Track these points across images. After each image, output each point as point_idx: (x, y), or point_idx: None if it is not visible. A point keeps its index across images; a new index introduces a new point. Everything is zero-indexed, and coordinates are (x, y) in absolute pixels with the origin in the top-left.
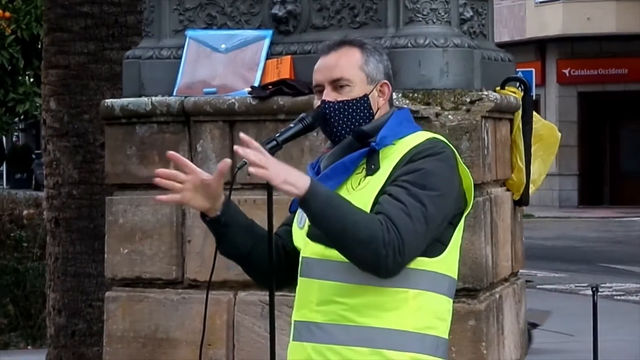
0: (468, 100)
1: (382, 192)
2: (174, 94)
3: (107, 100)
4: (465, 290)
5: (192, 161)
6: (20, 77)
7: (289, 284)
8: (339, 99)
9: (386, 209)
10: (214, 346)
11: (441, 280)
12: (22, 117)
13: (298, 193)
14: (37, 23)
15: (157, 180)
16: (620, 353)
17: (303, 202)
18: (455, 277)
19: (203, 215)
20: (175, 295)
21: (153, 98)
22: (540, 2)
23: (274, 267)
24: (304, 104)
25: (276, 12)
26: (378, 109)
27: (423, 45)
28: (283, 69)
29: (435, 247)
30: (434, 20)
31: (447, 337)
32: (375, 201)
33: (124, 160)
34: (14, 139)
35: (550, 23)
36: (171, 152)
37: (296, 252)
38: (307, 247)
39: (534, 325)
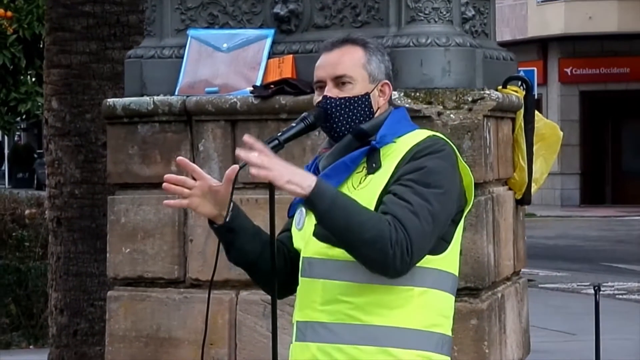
0: (470, 99)
1: (385, 190)
2: (176, 93)
3: (109, 100)
4: (468, 289)
5: (194, 161)
6: (22, 77)
7: (294, 289)
8: (341, 96)
9: (392, 209)
10: (216, 345)
11: (445, 277)
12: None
13: (303, 193)
14: (38, 22)
15: (165, 185)
16: (622, 352)
17: (309, 201)
18: (457, 274)
19: (211, 222)
20: (177, 294)
21: (155, 97)
22: (542, 1)
23: (281, 274)
24: (306, 103)
25: (278, 11)
26: (378, 108)
27: (425, 45)
28: (285, 68)
29: (439, 244)
30: (436, 19)
31: (450, 334)
32: (379, 200)
33: (126, 159)
34: (15, 138)
35: (552, 22)
36: (180, 158)
37: (298, 256)
38: (308, 247)
39: None
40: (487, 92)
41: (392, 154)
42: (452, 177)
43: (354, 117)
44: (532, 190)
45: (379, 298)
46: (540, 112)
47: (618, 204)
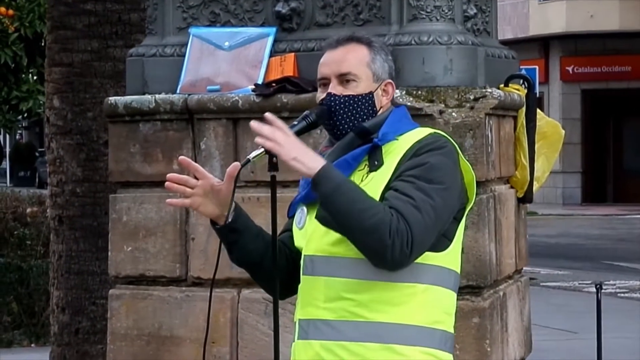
0: (472, 97)
1: (387, 187)
2: (178, 91)
3: (110, 98)
4: (469, 287)
5: (195, 159)
6: (23, 75)
7: (296, 290)
8: (345, 94)
9: (395, 203)
10: (218, 344)
11: (447, 274)
12: (25, 115)
13: (307, 172)
14: (40, 21)
15: (168, 184)
16: (624, 350)
17: (313, 183)
18: (459, 271)
19: (213, 223)
20: (179, 293)
21: (157, 96)
22: (544, 0)
23: (283, 274)
24: (308, 101)
25: (280, 9)
26: (381, 107)
27: (427, 43)
28: (286, 66)
29: (441, 241)
30: (438, 18)
31: (452, 332)
32: (382, 197)
33: (128, 158)
34: (17, 136)
35: (553, 20)
36: (182, 157)
37: (300, 256)
38: (310, 245)
39: None
40: (489, 90)
41: (394, 151)
42: (454, 173)
43: (357, 115)
44: (534, 188)
45: (382, 295)
46: (542, 110)
47: (619, 203)
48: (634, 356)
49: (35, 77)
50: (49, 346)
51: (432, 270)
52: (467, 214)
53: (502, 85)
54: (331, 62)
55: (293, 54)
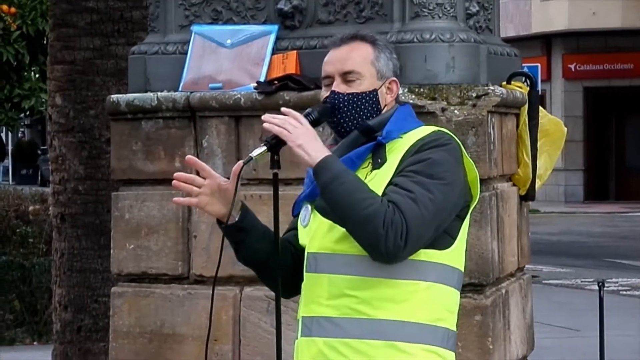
0: (474, 95)
1: (390, 184)
2: (180, 89)
3: (112, 96)
4: (472, 285)
5: (197, 157)
6: (25, 73)
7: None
8: (349, 91)
9: (393, 196)
10: (220, 342)
11: (450, 272)
12: (27, 112)
13: (309, 160)
14: (42, 18)
15: (175, 183)
16: (627, 348)
17: (314, 172)
18: (463, 269)
19: (219, 222)
20: (181, 290)
21: (159, 93)
22: None
23: (289, 273)
24: (310, 99)
25: (282, 7)
26: (385, 105)
27: (429, 40)
28: (289, 64)
29: (444, 239)
30: (440, 15)
31: (455, 329)
32: (384, 193)
33: (130, 155)
34: (19, 134)
35: (555, 18)
36: (189, 157)
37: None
38: (313, 242)
39: None
40: (491, 87)
41: (398, 149)
42: (456, 170)
43: (361, 113)
44: (536, 186)
45: (384, 292)
46: (544, 108)
47: (622, 200)
48: (636, 354)
49: (37, 75)
50: (52, 344)
51: (435, 268)
52: (471, 212)
53: (504, 83)
54: (335, 60)
55: (295, 51)
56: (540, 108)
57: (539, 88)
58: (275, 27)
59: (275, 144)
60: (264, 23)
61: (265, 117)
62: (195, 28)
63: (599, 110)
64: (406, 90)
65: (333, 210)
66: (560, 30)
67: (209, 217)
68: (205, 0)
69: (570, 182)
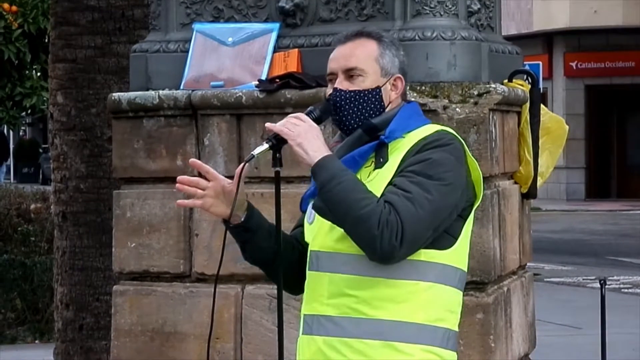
0: (476, 93)
1: (390, 184)
2: (181, 87)
3: (114, 94)
4: (474, 283)
5: (199, 155)
6: (27, 71)
7: None
8: (351, 89)
9: (390, 197)
10: (222, 340)
11: (452, 272)
12: (29, 111)
13: (307, 160)
14: (44, 17)
15: (179, 186)
16: (628, 346)
17: (312, 171)
18: (466, 269)
19: (226, 222)
20: (183, 289)
21: (160, 92)
22: None
23: (296, 270)
24: (312, 97)
25: (283, 5)
26: (390, 102)
27: (431, 38)
28: (290, 62)
29: (445, 239)
30: (442, 13)
31: (456, 329)
32: (384, 193)
33: (131, 154)
34: (21, 133)
35: (557, 16)
36: (193, 160)
37: None
38: (316, 241)
39: None
40: (493, 85)
41: (400, 148)
42: (457, 170)
43: (363, 111)
44: (538, 184)
45: (384, 292)
46: (546, 106)
47: (623, 198)
48: (637, 351)
49: (39, 74)
50: (53, 342)
51: (435, 268)
52: (475, 212)
53: (506, 81)
54: (339, 57)
55: (297, 49)
56: (542, 106)
57: (541, 86)
58: (276, 25)
59: (277, 142)
60: (266, 21)
61: (268, 125)
62: (196, 26)
63: (601, 108)
64: (407, 88)
65: (330, 210)
66: (562, 28)
67: (210, 215)
68: None
69: (572, 180)
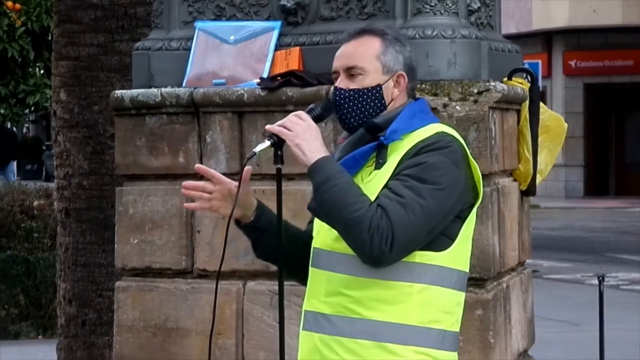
0: (475, 91)
1: (386, 186)
2: (184, 85)
3: (117, 92)
4: (473, 279)
5: (201, 152)
6: (30, 69)
7: None
8: (351, 87)
9: (383, 201)
10: (224, 335)
11: (448, 274)
12: (32, 108)
13: (304, 160)
14: (47, 15)
15: (185, 192)
16: (626, 342)
17: (308, 173)
18: (466, 269)
19: (236, 221)
20: (185, 285)
21: (162, 89)
22: None
23: (307, 265)
24: (313, 95)
25: (285, 3)
26: (392, 100)
27: (431, 37)
28: (292, 60)
29: (441, 241)
30: (442, 12)
31: (455, 329)
32: (377, 197)
33: (134, 151)
34: (24, 130)
35: (556, 15)
36: (198, 165)
37: None
38: (318, 238)
39: None
40: (493, 84)
41: (398, 150)
42: (454, 174)
43: (363, 110)
44: (537, 181)
45: (378, 293)
46: (545, 104)
47: (622, 196)
48: (636, 348)
49: (42, 71)
50: (56, 338)
51: (431, 270)
52: (477, 212)
53: (505, 79)
54: (342, 55)
55: (298, 47)
56: (541, 104)
57: (540, 84)
58: (278, 24)
59: (279, 139)
60: (267, 19)
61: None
62: (198, 24)
63: (599, 106)
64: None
65: (323, 212)
66: (561, 27)
67: (212, 213)
68: None
69: (571, 177)
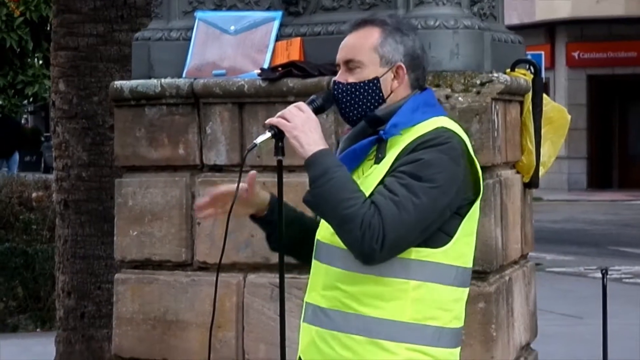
0: (478, 82)
1: (382, 182)
2: (184, 75)
3: (116, 82)
4: (475, 272)
5: (201, 143)
6: (29, 60)
7: None
8: (349, 81)
9: (377, 198)
10: (224, 328)
11: (446, 270)
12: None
13: (302, 153)
14: (46, 5)
15: (199, 214)
16: (629, 335)
17: (305, 165)
18: (467, 265)
19: (251, 215)
20: (185, 277)
21: (162, 80)
22: None
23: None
24: (314, 85)
25: None
26: (392, 92)
27: (433, 27)
28: (292, 50)
29: (439, 237)
30: (444, 2)
31: (454, 326)
32: (372, 193)
33: (133, 142)
34: (23, 121)
35: (559, 6)
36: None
37: None
38: (320, 229)
39: None
40: (496, 75)
41: (396, 145)
42: (451, 171)
43: (361, 103)
44: (540, 173)
45: (373, 289)
46: (548, 96)
47: (625, 188)
48: (638, 341)
49: (40, 62)
50: (55, 331)
51: (427, 267)
52: (479, 206)
53: (508, 70)
54: (342, 47)
55: (299, 38)
56: (544, 96)
57: (543, 76)
58: (279, 14)
59: (279, 131)
60: (268, 9)
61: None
62: (199, 14)
63: (603, 98)
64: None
65: (318, 206)
66: (564, 18)
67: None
68: None
69: (574, 170)
